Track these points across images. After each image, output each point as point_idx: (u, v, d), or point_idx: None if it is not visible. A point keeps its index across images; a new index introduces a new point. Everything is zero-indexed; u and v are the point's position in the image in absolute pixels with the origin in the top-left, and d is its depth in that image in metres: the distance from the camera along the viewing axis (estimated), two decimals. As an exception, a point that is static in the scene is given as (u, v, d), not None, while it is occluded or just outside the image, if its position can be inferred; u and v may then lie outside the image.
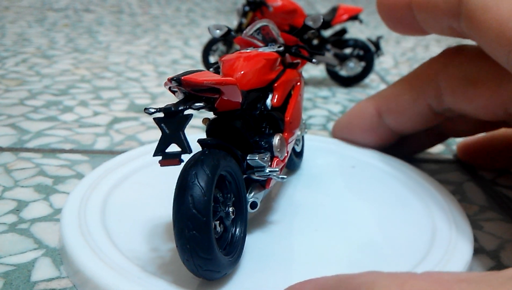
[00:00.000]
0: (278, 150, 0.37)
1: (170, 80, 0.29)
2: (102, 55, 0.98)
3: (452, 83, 0.44)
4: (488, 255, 0.39)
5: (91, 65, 0.90)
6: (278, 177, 0.36)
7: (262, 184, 0.36)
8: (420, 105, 0.47)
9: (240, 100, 0.33)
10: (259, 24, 0.42)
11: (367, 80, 0.89)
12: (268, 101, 0.38)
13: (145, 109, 0.29)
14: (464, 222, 0.39)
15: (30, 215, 0.40)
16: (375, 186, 0.45)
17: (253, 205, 0.35)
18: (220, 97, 0.31)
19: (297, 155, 0.47)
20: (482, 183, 0.51)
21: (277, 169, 0.35)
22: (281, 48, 0.41)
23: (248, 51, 0.39)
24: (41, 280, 0.33)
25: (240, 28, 0.84)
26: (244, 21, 0.84)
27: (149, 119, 0.65)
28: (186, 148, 0.28)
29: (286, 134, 0.39)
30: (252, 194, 0.36)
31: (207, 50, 0.86)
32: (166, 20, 1.45)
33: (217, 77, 0.30)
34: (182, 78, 0.29)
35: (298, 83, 0.43)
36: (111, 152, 0.54)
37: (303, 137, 0.49)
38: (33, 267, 0.34)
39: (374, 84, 0.88)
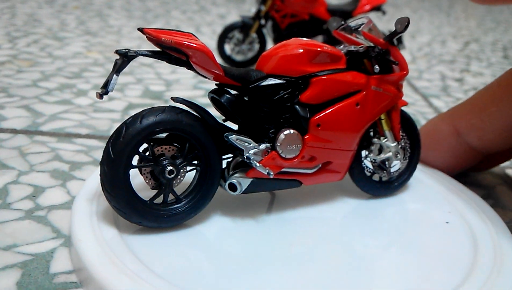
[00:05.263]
0: (279, 144, 0.35)
1: (138, 29, 0.32)
2: (114, 39, 0.96)
3: None
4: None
5: (104, 49, 0.87)
6: (264, 170, 0.34)
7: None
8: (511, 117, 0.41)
9: (215, 70, 0.33)
10: (357, 20, 0.39)
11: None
12: (298, 94, 0.36)
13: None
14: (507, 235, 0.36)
15: (47, 201, 0.39)
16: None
17: (231, 186, 0.35)
18: (188, 59, 0.32)
19: (385, 182, 0.41)
20: (515, 186, 0.49)
21: (252, 157, 0.34)
22: (361, 49, 0.38)
23: (305, 39, 0.37)
24: (61, 272, 0.31)
25: (258, 15, 0.82)
26: (263, 8, 0.81)
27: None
28: (106, 87, 0.31)
29: (308, 136, 0.36)
30: (235, 175, 0.35)
31: (223, 37, 0.84)
32: (176, 6, 1.43)
33: (185, 39, 0.32)
34: (144, 29, 0.31)
35: (364, 92, 0.37)
36: (128, 139, 0.52)
37: (410, 168, 0.42)
38: (52, 258, 0.32)
39: (393, 78, 0.86)
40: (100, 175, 0.32)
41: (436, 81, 0.86)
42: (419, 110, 0.70)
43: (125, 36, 0.99)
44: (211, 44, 0.98)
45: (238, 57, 0.85)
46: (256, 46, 0.85)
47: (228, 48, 0.85)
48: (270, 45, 0.83)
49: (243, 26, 0.83)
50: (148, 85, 0.70)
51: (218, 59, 0.85)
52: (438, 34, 1.34)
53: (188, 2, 1.53)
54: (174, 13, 1.32)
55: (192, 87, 0.71)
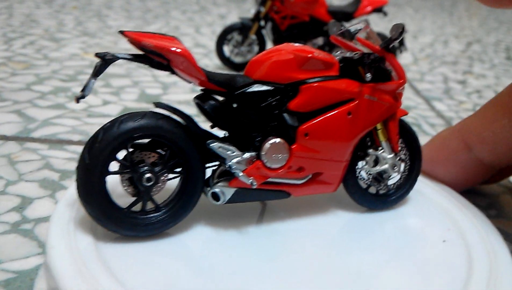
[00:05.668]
0: (264, 153, 0.33)
1: (119, 31, 0.31)
2: (112, 40, 0.95)
3: None
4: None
5: (101, 50, 0.86)
6: (247, 179, 0.33)
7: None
8: None
9: (197, 76, 0.32)
10: (356, 25, 0.37)
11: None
12: (287, 102, 0.34)
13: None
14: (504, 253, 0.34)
15: (34, 214, 0.37)
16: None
17: (214, 195, 0.34)
18: (169, 64, 0.31)
19: (382, 196, 0.39)
20: (519, 194, 0.48)
21: (235, 166, 0.33)
22: (356, 55, 0.36)
23: (296, 45, 0.35)
24: (46, 291, 0.30)
25: (257, 17, 0.80)
26: (262, 9, 0.80)
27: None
28: (83, 91, 0.30)
29: (296, 146, 0.34)
30: (218, 184, 0.33)
31: (222, 39, 0.82)
32: (176, 6, 1.41)
33: (166, 43, 0.30)
34: (125, 32, 0.30)
35: (356, 101, 0.35)
36: (121, 145, 0.51)
37: (409, 181, 0.40)
38: (36, 276, 0.31)
39: (395, 80, 0.85)
40: (75, 180, 0.31)
41: (438, 83, 0.85)
42: (421, 114, 0.68)
43: (123, 37, 0.98)
44: (211, 45, 0.97)
45: (237, 59, 0.84)
46: (256, 48, 0.83)
47: (227, 49, 0.83)
48: (269, 46, 0.82)
49: (242, 28, 0.82)
50: (145, 88, 0.69)
51: (217, 61, 0.84)
52: (440, 34, 1.32)
53: (188, 2, 1.52)
54: (174, 13, 1.30)
55: (189, 90, 0.70)
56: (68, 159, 0.46)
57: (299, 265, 0.32)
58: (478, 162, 0.42)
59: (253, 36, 0.82)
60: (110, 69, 0.75)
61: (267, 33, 0.83)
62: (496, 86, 0.86)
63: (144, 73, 0.76)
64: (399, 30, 0.34)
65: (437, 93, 0.79)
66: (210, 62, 0.86)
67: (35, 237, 0.34)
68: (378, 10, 0.78)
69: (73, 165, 0.45)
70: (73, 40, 0.91)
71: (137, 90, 0.68)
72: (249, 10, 1.38)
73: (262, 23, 0.82)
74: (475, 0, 0.36)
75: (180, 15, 1.28)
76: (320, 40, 0.81)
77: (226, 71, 0.82)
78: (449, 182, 0.43)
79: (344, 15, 0.78)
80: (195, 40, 1.02)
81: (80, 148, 0.48)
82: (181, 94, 0.68)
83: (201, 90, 0.34)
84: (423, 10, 1.81)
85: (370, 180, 0.38)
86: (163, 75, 0.76)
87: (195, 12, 1.34)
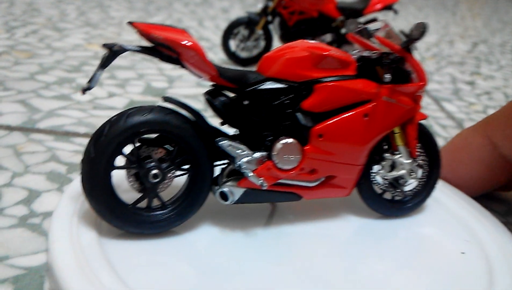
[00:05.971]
0: (275, 154, 0.32)
1: (128, 22, 0.30)
2: (115, 31, 0.93)
3: None
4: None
5: (104, 41, 0.85)
6: (257, 180, 0.32)
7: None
8: None
9: (208, 70, 0.31)
10: (375, 23, 0.35)
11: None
12: (300, 101, 0.33)
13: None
14: None
15: (42, 207, 0.36)
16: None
17: (223, 195, 0.32)
18: (178, 58, 0.30)
19: (397, 202, 0.37)
20: (535, 199, 0.47)
21: (244, 165, 0.31)
22: (374, 55, 0.34)
23: (312, 42, 0.34)
24: (56, 289, 0.29)
25: (265, 12, 0.79)
26: (270, 4, 0.79)
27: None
28: (90, 82, 0.29)
29: (309, 147, 0.33)
30: (227, 183, 0.32)
31: (228, 33, 0.81)
32: (179, -2, 1.40)
33: (176, 36, 0.30)
34: (134, 23, 0.30)
35: (374, 103, 0.34)
36: (129, 139, 0.49)
37: (427, 188, 0.38)
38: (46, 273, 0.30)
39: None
40: (80, 174, 0.30)
41: (446, 84, 0.84)
42: (431, 115, 0.67)
43: (126, 28, 0.96)
44: (215, 39, 0.95)
45: (243, 54, 0.82)
46: (262, 43, 0.82)
47: (233, 44, 0.82)
48: (276, 42, 0.80)
49: (249, 22, 0.80)
50: (150, 81, 0.67)
51: (222, 55, 0.82)
52: (445, 34, 1.32)
53: (191, -6, 1.50)
54: (177, 5, 1.29)
55: (195, 84, 0.69)
56: (75, 151, 0.45)
57: (306, 269, 0.31)
58: (503, 159, 0.40)
59: (259, 31, 0.81)
60: (115, 61, 0.74)
61: (274, 28, 0.82)
62: (505, 88, 0.85)
63: (149, 65, 0.74)
64: (421, 29, 0.33)
65: (446, 94, 0.78)
66: (215, 56, 0.85)
67: (44, 232, 0.33)
68: (388, 7, 0.77)
69: (79, 158, 0.44)
70: (76, 31, 0.90)
71: (143, 82, 0.67)
72: (252, 4, 1.37)
73: (270, 18, 0.80)
74: None
75: (182, 8, 1.26)
76: (328, 37, 0.80)
77: (231, 65, 0.81)
78: (472, 182, 0.42)
79: (353, 11, 0.77)
80: (198, 34, 1.00)
81: (86, 141, 0.47)
82: (187, 88, 0.67)
83: (211, 85, 0.33)
84: (426, 9, 1.80)
85: (385, 185, 0.37)
86: (169, 68, 0.74)
87: (198, 5, 1.33)
